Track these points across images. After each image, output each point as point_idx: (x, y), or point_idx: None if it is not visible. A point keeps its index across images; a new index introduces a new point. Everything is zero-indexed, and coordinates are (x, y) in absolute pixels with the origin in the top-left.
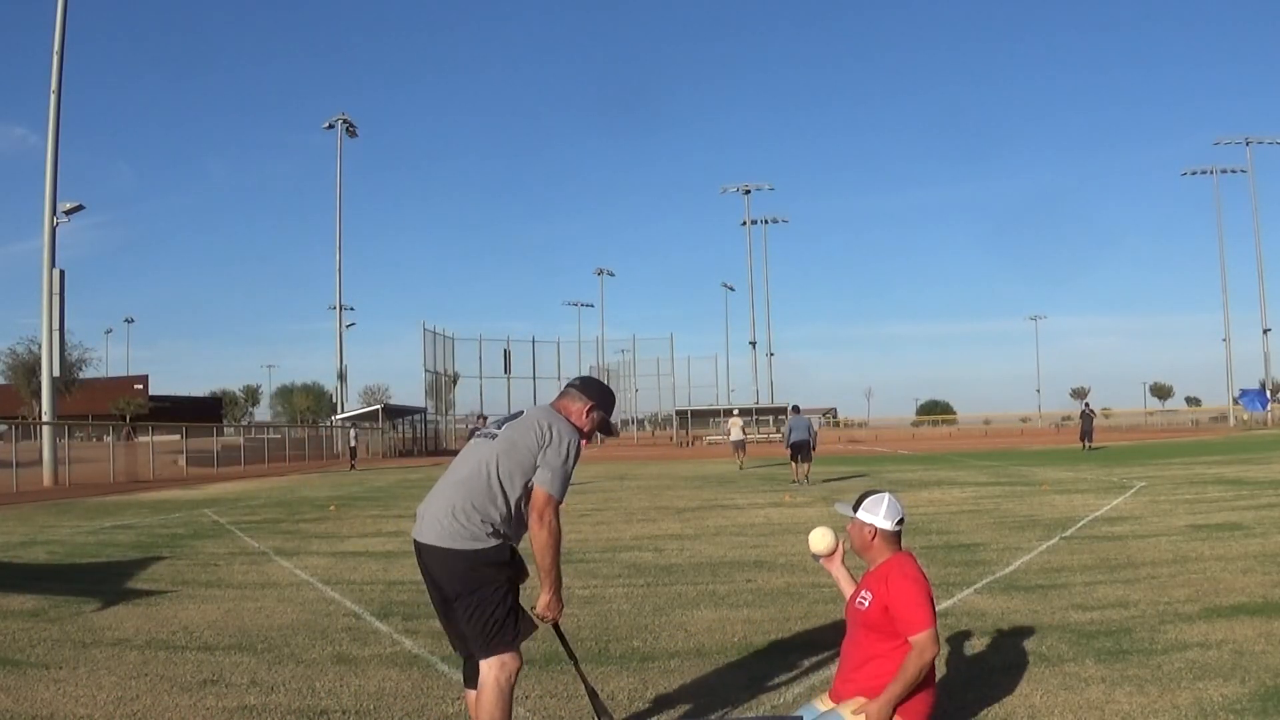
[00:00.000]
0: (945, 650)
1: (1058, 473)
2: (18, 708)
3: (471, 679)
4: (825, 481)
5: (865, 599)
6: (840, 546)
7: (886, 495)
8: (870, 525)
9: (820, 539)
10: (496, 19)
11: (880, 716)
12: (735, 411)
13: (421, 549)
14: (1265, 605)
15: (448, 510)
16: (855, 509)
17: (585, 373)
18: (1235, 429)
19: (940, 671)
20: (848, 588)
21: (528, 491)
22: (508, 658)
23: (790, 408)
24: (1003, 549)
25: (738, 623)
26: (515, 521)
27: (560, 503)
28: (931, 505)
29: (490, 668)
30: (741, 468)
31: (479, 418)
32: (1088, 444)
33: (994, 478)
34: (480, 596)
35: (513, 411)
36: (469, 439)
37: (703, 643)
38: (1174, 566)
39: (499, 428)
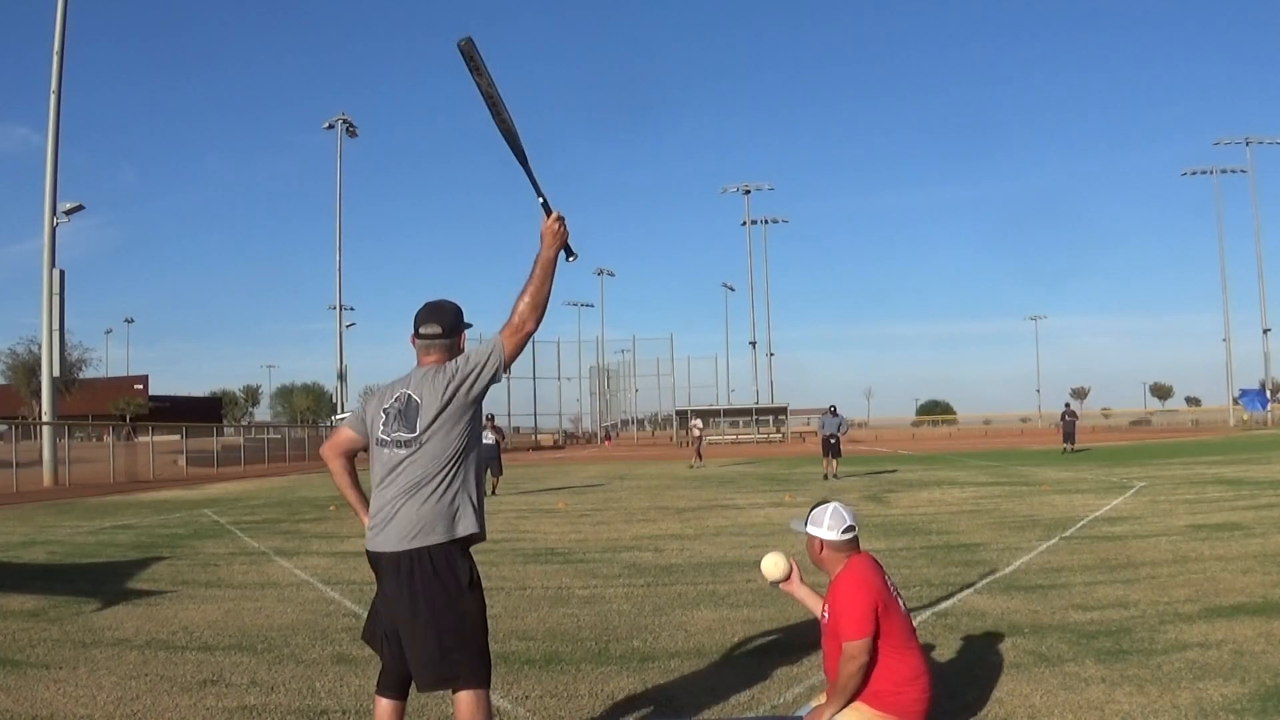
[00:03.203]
0: (945, 650)
1: (1058, 473)
2: (18, 708)
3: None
4: (843, 478)
5: (826, 612)
6: (795, 569)
7: (831, 505)
8: (815, 538)
9: (773, 566)
10: (497, 19)
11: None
12: (695, 414)
13: None
14: (1265, 605)
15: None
16: (805, 523)
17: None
18: (1235, 429)
19: (940, 671)
20: (815, 605)
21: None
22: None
23: (828, 409)
24: (1003, 549)
25: (738, 623)
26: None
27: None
28: (931, 505)
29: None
30: (692, 466)
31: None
32: (1070, 447)
33: (994, 478)
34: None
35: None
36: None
37: (703, 643)
38: (1174, 566)
39: (406, 428)
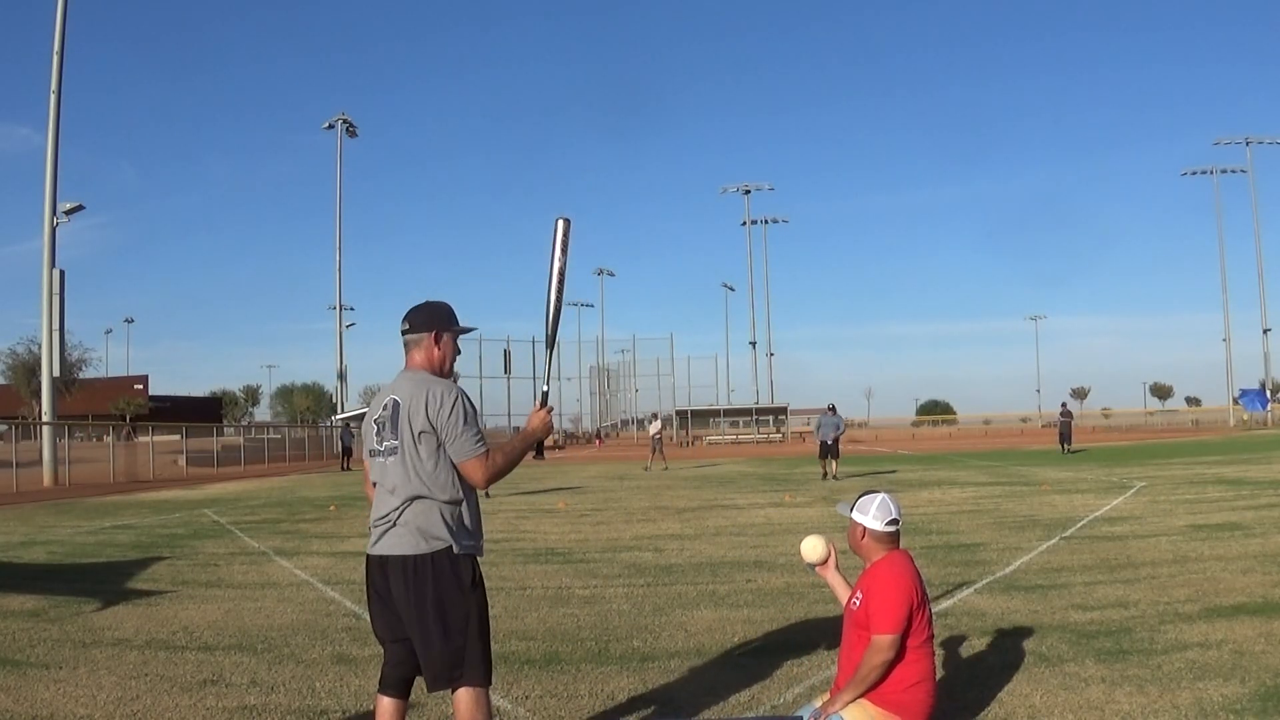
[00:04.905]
0: (945, 650)
1: (1058, 473)
2: (18, 708)
3: (395, 685)
4: (843, 479)
5: (858, 599)
6: (833, 554)
7: (880, 495)
8: (860, 525)
9: (813, 548)
10: (497, 19)
11: (837, 710)
12: (655, 415)
13: None
14: (1265, 605)
15: None
16: (852, 508)
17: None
18: (1235, 429)
19: (940, 671)
20: (843, 593)
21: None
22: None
23: (826, 408)
24: (1003, 549)
25: (738, 623)
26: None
27: (486, 454)
28: (931, 505)
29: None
30: (647, 469)
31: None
32: (1066, 447)
33: (994, 478)
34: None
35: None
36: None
37: (703, 643)
38: (1174, 566)
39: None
